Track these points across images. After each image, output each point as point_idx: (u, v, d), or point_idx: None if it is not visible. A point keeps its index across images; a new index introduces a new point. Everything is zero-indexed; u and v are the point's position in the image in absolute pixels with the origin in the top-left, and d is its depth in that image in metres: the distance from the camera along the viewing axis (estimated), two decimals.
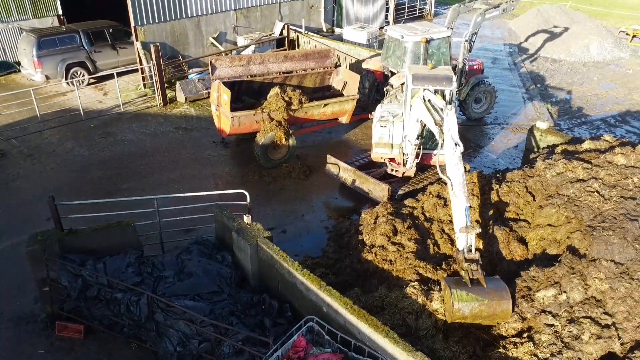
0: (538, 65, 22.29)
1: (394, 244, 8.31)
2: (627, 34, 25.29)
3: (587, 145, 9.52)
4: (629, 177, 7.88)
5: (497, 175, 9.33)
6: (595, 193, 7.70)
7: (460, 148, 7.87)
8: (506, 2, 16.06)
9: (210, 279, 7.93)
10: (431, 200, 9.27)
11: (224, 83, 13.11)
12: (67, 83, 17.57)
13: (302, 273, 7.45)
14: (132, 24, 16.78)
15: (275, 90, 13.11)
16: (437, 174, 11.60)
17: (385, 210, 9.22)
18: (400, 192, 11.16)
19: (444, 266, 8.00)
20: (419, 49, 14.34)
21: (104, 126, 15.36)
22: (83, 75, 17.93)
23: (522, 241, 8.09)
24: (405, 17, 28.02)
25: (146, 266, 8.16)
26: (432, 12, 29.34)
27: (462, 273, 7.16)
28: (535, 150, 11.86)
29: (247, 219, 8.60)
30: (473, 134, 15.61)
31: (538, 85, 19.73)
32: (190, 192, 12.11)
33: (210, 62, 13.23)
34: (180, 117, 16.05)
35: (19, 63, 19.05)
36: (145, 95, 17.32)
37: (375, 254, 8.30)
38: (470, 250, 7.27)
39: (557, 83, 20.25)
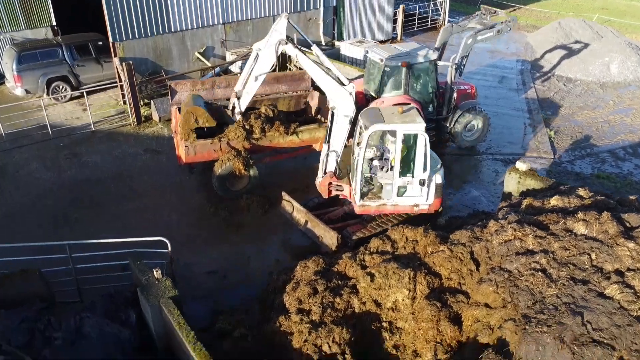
0: (550, 85, 20.65)
1: (300, 311, 7.33)
2: None
3: (554, 201, 8.27)
4: (586, 253, 6.65)
5: (446, 234, 8.19)
6: (540, 272, 6.50)
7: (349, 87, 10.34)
8: (502, 22, 14.74)
9: (103, 344, 7.18)
10: (367, 257, 8.21)
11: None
12: (49, 98, 17.29)
13: (194, 347, 6.61)
14: (110, 40, 16.28)
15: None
16: (397, 218, 10.69)
17: (315, 266, 8.24)
18: (354, 238, 10.15)
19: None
20: (399, 73, 13.30)
21: (73, 146, 14.91)
22: (65, 90, 17.62)
23: (457, 320, 6.97)
24: (416, 29, 26.75)
25: (41, 323, 7.48)
26: (446, 22, 27.83)
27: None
28: (513, 195, 10.64)
29: (156, 273, 7.81)
30: (460, 165, 14.37)
31: (545, 109, 18.18)
32: (141, 226, 11.58)
33: (170, 85, 12.53)
34: (152, 137, 15.44)
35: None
36: (124, 112, 16.83)
37: (280, 324, 7.35)
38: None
39: (567, 106, 18.63)
